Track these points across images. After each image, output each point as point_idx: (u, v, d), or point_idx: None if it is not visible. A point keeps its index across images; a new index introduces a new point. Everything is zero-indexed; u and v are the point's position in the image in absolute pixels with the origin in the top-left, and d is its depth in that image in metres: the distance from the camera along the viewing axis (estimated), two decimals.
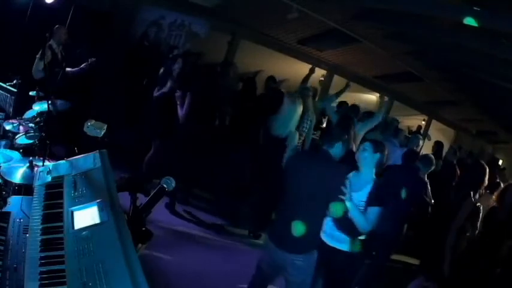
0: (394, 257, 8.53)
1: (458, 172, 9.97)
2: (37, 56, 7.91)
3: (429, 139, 14.80)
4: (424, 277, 7.12)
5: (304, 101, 8.14)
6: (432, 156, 7.58)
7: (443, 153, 11.21)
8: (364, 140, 5.20)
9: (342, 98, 10.62)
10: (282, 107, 7.48)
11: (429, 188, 7.77)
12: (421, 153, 8.77)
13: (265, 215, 7.80)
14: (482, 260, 6.66)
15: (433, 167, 7.26)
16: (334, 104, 9.84)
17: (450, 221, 6.48)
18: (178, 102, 7.84)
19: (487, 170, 6.90)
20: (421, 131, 16.55)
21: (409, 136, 10.79)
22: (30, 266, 2.42)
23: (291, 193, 4.67)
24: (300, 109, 7.42)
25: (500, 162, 15.20)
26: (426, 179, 7.41)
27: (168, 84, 8.08)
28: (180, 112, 7.80)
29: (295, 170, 4.72)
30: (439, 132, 18.74)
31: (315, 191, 4.45)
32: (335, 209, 4.43)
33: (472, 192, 6.49)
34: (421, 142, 8.27)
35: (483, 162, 7.21)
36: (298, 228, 4.40)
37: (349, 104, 10.30)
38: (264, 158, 7.55)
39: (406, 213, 6.68)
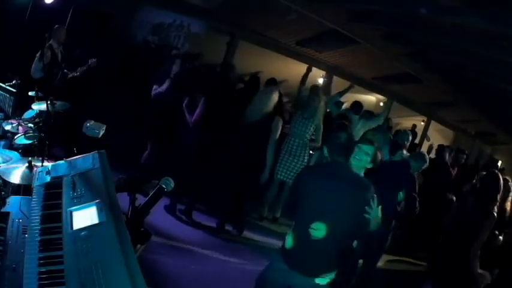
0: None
1: (454, 171, 10.03)
2: (37, 55, 7.92)
3: (428, 140, 14.86)
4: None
5: (312, 107, 8.25)
6: (425, 153, 7.50)
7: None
8: (367, 141, 5.02)
9: (342, 99, 10.70)
10: (255, 96, 7.53)
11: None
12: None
13: (240, 205, 7.90)
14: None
15: (425, 164, 7.17)
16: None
17: (470, 238, 6.45)
18: (185, 109, 7.84)
19: (501, 178, 6.86)
20: (416, 130, 16.59)
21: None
22: (29, 266, 2.43)
23: (308, 211, 4.29)
24: (275, 96, 7.50)
25: (499, 163, 15.24)
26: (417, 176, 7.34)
27: (166, 84, 8.05)
28: (190, 118, 7.78)
29: (311, 186, 4.35)
30: (438, 133, 18.80)
31: (338, 208, 4.14)
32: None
33: (492, 207, 6.46)
34: (409, 138, 8.19)
35: (497, 171, 7.15)
36: (318, 249, 4.13)
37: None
38: (244, 148, 7.58)
39: (394, 209, 6.62)
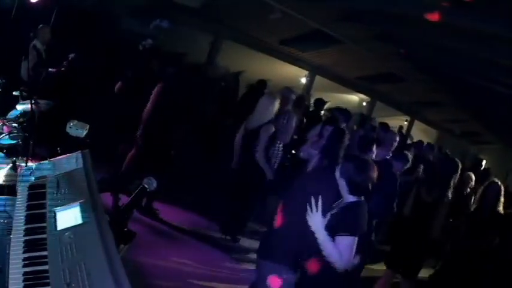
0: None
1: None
2: (23, 57, 7.90)
3: (412, 139, 14.93)
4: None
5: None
6: (407, 153, 7.34)
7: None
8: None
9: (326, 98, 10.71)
10: (258, 103, 7.44)
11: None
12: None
13: (239, 215, 7.79)
14: (470, 259, 6.70)
15: (408, 164, 7.07)
16: None
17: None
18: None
19: (459, 164, 6.87)
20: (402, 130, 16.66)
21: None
22: (14, 266, 2.44)
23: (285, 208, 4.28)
24: (276, 104, 7.40)
25: (484, 162, 15.37)
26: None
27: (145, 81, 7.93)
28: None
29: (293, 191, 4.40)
30: (422, 133, 18.92)
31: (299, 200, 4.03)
32: None
33: (446, 190, 6.52)
34: (397, 138, 8.12)
35: (454, 158, 7.20)
36: (281, 236, 4.15)
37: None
38: (244, 153, 7.49)
39: (375, 210, 6.56)
